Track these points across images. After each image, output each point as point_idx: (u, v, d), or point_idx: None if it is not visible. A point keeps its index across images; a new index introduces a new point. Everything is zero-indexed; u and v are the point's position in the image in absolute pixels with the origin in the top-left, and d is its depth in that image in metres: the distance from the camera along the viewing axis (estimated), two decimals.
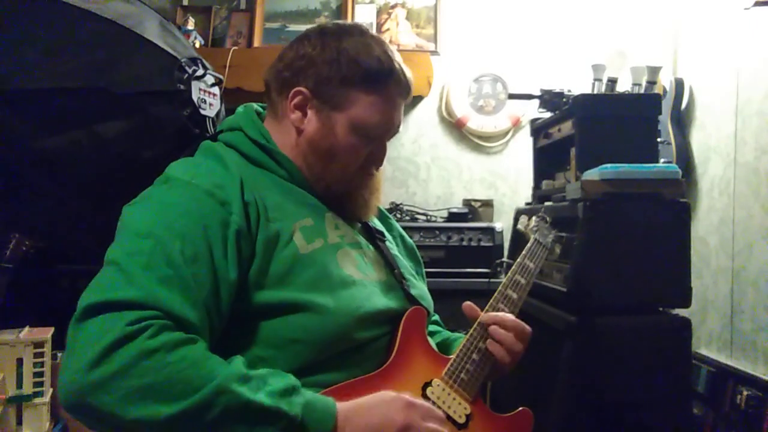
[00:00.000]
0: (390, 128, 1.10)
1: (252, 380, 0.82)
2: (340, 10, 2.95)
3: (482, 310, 1.13)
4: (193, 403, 0.77)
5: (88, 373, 0.76)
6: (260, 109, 1.17)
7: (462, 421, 1.01)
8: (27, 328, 1.64)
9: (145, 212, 0.93)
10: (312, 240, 1.00)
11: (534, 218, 1.46)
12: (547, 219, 1.47)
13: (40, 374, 1.58)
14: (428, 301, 1.18)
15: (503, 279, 1.22)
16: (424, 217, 2.74)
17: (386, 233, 1.23)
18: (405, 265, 1.20)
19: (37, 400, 1.56)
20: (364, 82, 1.05)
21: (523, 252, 1.30)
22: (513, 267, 1.25)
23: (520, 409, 1.09)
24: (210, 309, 0.87)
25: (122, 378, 0.76)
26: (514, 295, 1.17)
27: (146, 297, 0.81)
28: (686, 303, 1.72)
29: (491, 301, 1.15)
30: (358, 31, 1.09)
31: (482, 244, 2.50)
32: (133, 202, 0.96)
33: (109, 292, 0.82)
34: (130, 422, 0.76)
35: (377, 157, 1.12)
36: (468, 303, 1.13)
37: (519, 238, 1.34)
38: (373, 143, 1.09)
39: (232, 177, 0.98)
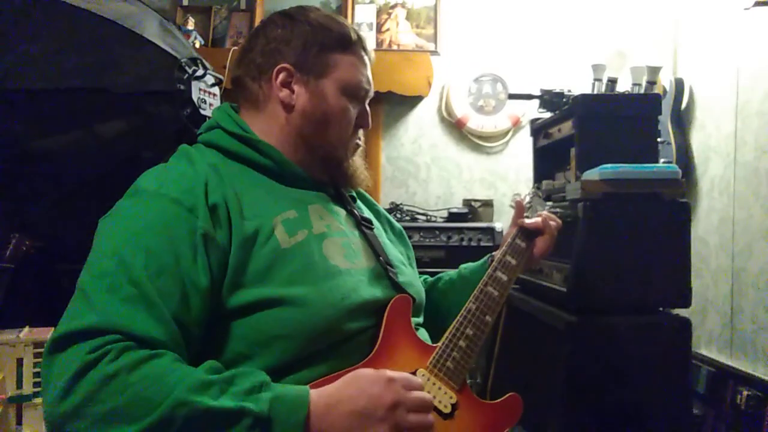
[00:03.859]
0: (369, 87, 1.15)
1: (213, 385, 0.81)
2: (340, 10, 2.95)
3: (470, 298, 1.12)
4: (155, 420, 0.77)
5: (59, 404, 0.78)
6: (236, 106, 1.17)
7: (447, 411, 0.99)
8: (27, 328, 1.64)
9: (111, 229, 0.93)
10: (295, 232, 0.99)
11: (527, 194, 1.43)
12: (540, 194, 1.45)
13: (40, 374, 1.58)
14: (416, 287, 1.16)
15: (491, 266, 1.21)
16: (424, 217, 2.74)
17: (374, 220, 1.23)
18: (394, 252, 1.19)
19: (37, 400, 1.56)
20: (339, 45, 1.10)
21: (514, 231, 1.29)
22: (504, 247, 1.26)
23: (509, 394, 1.07)
24: (180, 320, 0.87)
25: (89, 405, 0.78)
26: (504, 277, 1.17)
27: (106, 322, 0.82)
28: (686, 303, 1.72)
29: (480, 283, 1.15)
30: (315, 7, 1.15)
31: (482, 244, 2.50)
32: (106, 215, 0.96)
33: (74, 321, 0.83)
34: None
35: (363, 119, 1.15)
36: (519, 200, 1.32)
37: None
38: (358, 105, 1.13)
39: (198, 178, 0.97)
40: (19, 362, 1.55)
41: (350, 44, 1.11)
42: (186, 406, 0.78)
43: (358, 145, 1.17)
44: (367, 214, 1.23)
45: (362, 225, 1.15)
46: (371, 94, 1.16)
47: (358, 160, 1.17)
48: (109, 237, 0.92)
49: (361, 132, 1.18)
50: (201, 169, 0.99)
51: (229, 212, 0.96)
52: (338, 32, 1.10)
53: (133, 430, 0.77)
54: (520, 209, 1.33)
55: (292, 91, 1.08)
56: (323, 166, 1.13)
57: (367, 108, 1.16)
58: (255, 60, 1.10)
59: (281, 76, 1.08)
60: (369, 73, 1.15)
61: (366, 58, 1.14)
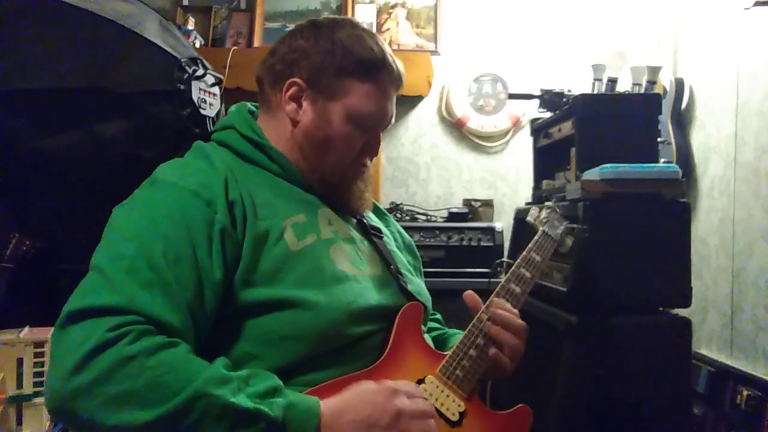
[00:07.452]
0: (384, 118, 1.11)
1: (232, 382, 0.81)
2: (340, 10, 2.95)
3: (482, 308, 1.11)
4: (171, 407, 0.77)
5: (69, 379, 0.77)
6: (253, 108, 1.17)
7: (455, 418, 0.99)
8: (27, 328, 1.64)
9: (130, 215, 0.94)
10: (304, 236, 1.00)
11: (544, 209, 1.42)
12: (558, 210, 1.44)
13: (40, 374, 1.57)
14: (425, 296, 1.16)
15: (504, 278, 1.20)
16: (424, 217, 2.74)
17: (384, 229, 1.23)
18: (402, 260, 1.19)
19: (37, 400, 1.56)
20: (358, 70, 1.06)
21: (530, 245, 1.27)
22: (518, 260, 1.22)
23: (519, 405, 1.08)
24: (194, 310, 0.87)
25: (102, 384, 0.76)
26: (518, 289, 1.15)
27: (127, 302, 0.82)
28: (686, 303, 1.72)
29: (493, 295, 1.14)
30: (350, 23, 1.10)
31: (482, 244, 2.50)
32: (122, 204, 0.97)
33: (91, 297, 0.82)
34: (111, 428, 0.77)
35: (372, 147, 1.12)
36: (469, 292, 1.11)
37: (527, 230, 1.32)
38: (367, 134, 1.10)
39: (218, 175, 0.98)
40: (19, 362, 1.55)
41: (371, 71, 1.06)
42: (206, 398, 0.78)
43: (361, 171, 1.13)
44: (376, 222, 1.22)
45: (371, 233, 1.15)
46: (387, 124, 1.12)
47: (361, 186, 1.13)
48: (127, 222, 0.92)
49: (367, 158, 1.13)
50: (220, 166, 1.00)
51: (245, 210, 0.96)
52: (360, 57, 1.05)
53: (146, 415, 0.76)
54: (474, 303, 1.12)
55: (300, 107, 1.07)
56: (320, 187, 1.11)
57: (379, 136, 1.12)
58: (275, 66, 1.09)
59: (292, 89, 1.07)
60: (389, 103, 1.10)
61: (389, 87, 1.10)
